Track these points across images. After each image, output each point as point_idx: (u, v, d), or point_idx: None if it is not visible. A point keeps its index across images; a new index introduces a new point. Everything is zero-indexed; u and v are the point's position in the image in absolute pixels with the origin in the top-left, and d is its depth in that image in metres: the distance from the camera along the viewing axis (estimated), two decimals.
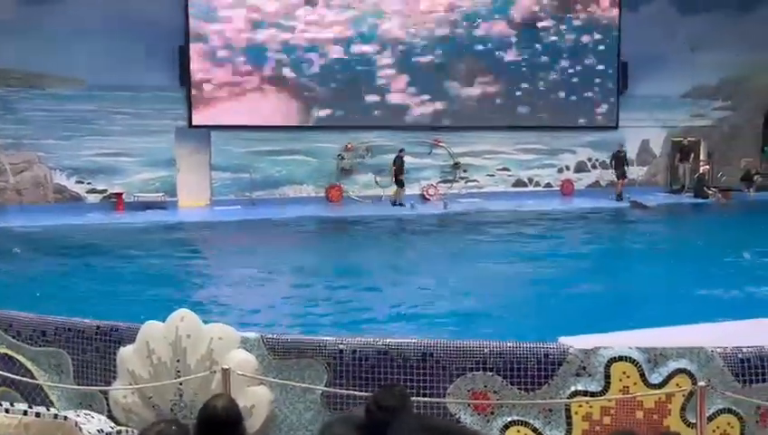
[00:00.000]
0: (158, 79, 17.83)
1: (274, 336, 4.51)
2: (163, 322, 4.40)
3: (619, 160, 20.44)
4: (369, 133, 19.78)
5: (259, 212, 16.83)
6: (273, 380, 4.35)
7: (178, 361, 4.29)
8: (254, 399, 4.25)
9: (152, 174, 18.23)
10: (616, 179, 20.37)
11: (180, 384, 4.26)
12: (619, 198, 19.65)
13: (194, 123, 18.39)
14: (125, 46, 17.09)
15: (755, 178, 22.16)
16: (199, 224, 15.52)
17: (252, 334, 4.51)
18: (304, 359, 4.41)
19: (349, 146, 19.50)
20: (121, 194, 17.64)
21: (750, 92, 23.27)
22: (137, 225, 15.10)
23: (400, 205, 18.34)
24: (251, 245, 13.08)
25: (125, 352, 4.44)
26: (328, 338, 4.50)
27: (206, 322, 4.44)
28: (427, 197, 19.31)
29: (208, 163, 18.78)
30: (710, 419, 4.17)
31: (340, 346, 4.41)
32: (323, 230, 15.64)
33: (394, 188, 18.80)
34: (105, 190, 17.85)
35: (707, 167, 21.91)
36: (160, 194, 18.10)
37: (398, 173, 18.58)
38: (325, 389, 4.35)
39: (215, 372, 4.19)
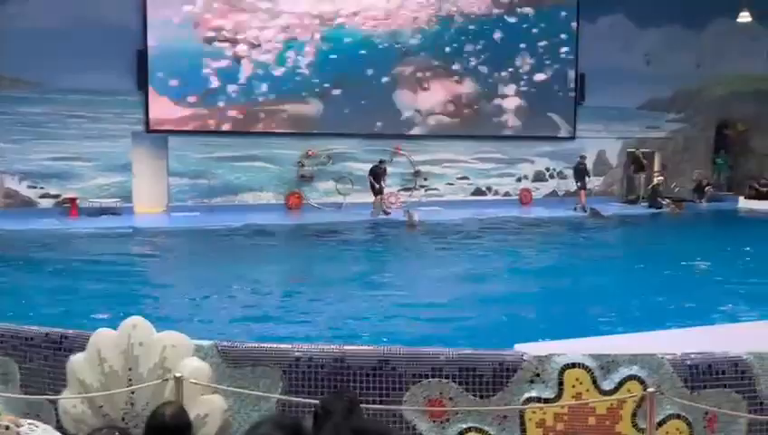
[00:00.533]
0: (115, 82, 17.55)
1: (229, 344, 4.46)
2: (115, 329, 4.31)
3: (579, 172, 20.74)
4: (330, 140, 19.76)
5: (217, 219, 16.65)
6: (226, 388, 4.29)
7: (130, 369, 4.20)
8: (208, 407, 4.19)
9: (108, 179, 17.92)
10: (578, 190, 20.64)
11: (132, 393, 4.18)
12: (583, 209, 19.86)
13: (151, 128, 18.14)
14: (82, 49, 16.79)
15: (707, 189, 22.72)
16: (155, 230, 15.29)
17: (206, 342, 4.45)
18: (259, 366, 4.37)
19: (309, 153, 19.45)
20: (75, 199, 17.30)
21: (702, 106, 23.90)
22: (90, 230, 14.80)
23: (386, 213, 18.17)
24: (207, 252, 12.93)
25: (75, 360, 4.34)
26: (284, 345, 4.46)
27: (159, 330, 4.36)
28: (388, 206, 19.23)
29: (166, 169, 18.54)
30: (660, 424, 4.24)
31: (296, 353, 4.38)
32: (282, 237, 15.53)
33: (375, 197, 18.41)
34: (58, 195, 17.48)
35: (662, 178, 22.39)
36: (116, 199, 17.80)
37: (378, 182, 18.31)
38: (280, 397, 4.31)
39: (167, 380, 4.12)
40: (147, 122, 18.08)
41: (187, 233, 15.07)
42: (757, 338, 5.21)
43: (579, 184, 20.62)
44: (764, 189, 23.08)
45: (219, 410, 4.25)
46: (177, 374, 4.09)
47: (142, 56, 17.79)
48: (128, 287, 9.40)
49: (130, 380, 4.19)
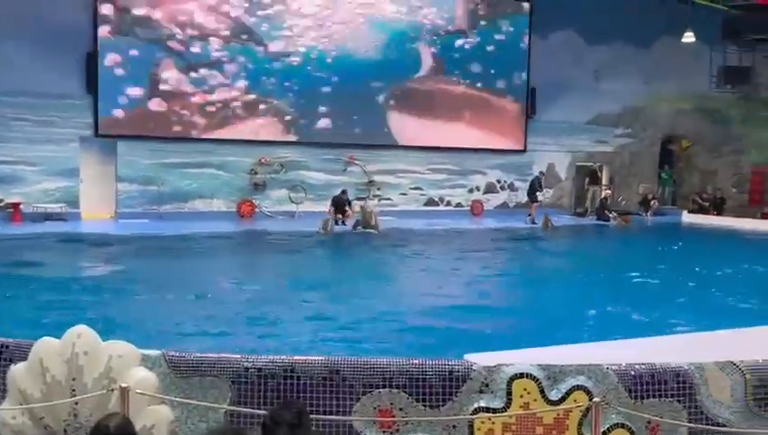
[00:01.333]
0: (63, 85, 17.19)
1: (177, 354, 4.40)
2: (58, 338, 4.21)
3: (534, 185, 21.07)
4: (283, 148, 19.68)
5: (166, 226, 16.40)
6: (174, 398, 4.23)
7: (74, 379, 4.11)
8: (154, 418, 4.12)
9: (54, 184, 17.50)
10: (530, 202, 20.95)
11: (75, 404, 4.08)
12: (533, 221, 20.14)
13: (100, 132, 17.79)
14: (29, 51, 16.43)
15: (652, 202, 23.31)
16: (101, 236, 14.95)
17: (153, 352, 4.38)
18: (208, 377, 4.31)
19: (262, 160, 19.32)
20: (19, 204, 16.82)
21: (648, 122, 24.57)
22: (34, 236, 14.40)
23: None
24: (156, 259, 12.71)
25: (16, 370, 4.22)
26: (233, 356, 4.42)
27: (105, 339, 4.28)
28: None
29: (114, 174, 18.19)
30: (604, 433, 4.33)
31: (246, 364, 4.34)
32: (233, 245, 15.37)
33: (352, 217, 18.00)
34: (1, 200, 16.99)
35: (609, 191, 22.91)
36: (61, 205, 17.37)
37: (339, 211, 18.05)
38: (229, 407, 4.26)
39: (112, 390, 4.03)
40: (95, 126, 17.72)
41: (135, 240, 14.79)
42: (697, 348, 5.36)
43: (531, 197, 20.91)
44: (706, 204, 23.83)
45: (166, 422, 4.18)
46: (123, 384, 4.01)
47: (91, 59, 17.45)
48: (72, 295, 9.17)
49: (74, 390, 4.09)
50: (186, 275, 11.03)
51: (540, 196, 21.18)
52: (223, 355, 4.45)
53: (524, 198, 22.26)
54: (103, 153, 17.99)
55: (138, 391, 4.03)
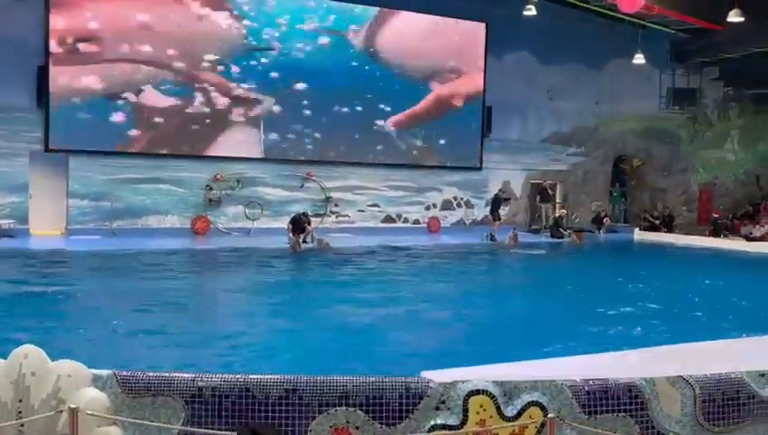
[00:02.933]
0: (12, 99, 16.82)
1: (129, 373, 4.31)
2: (4, 359, 4.09)
3: (497, 202, 21.30)
4: (239, 164, 19.54)
5: (119, 242, 16.09)
6: (125, 419, 4.14)
7: (21, 401, 3.99)
8: None
9: (2, 199, 17.06)
10: (491, 219, 21.16)
11: (22, 426, 3.96)
12: (492, 237, 20.33)
13: (50, 147, 17.42)
14: None
15: (605, 220, 23.76)
16: (51, 253, 14.58)
17: (104, 372, 4.28)
18: (161, 396, 4.24)
19: (218, 176, 19.14)
20: None
21: (600, 141, 25.12)
22: None
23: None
24: (107, 277, 12.45)
25: None
26: (186, 375, 4.35)
27: (53, 359, 4.17)
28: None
29: (65, 190, 17.81)
30: None
31: (200, 383, 4.27)
32: (187, 262, 15.15)
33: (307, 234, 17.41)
34: None
35: (564, 210, 23.29)
36: (10, 221, 16.92)
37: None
38: (182, 428, 4.19)
39: (61, 411, 3.93)
40: (46, 141, 17.35)
41: (86, 256, 14.47)
42: (649, 363, 5.45)
43: (494, 214, 21.10)
44: (657, 221, 24.40)
45: None
46: (72, 405, 3.91)
47: (43, 72, 17.12)
48: (19, 314, 8.91)
49: (20, 412, 3.98)
50: (135, 291, 10.81)
51: (502, 213, 21.44)
52: (176, 374, 4.38)
53: (481, 216, 22.51)
54: (54, 168, 17.60)
55: (88, 411, 3.94)
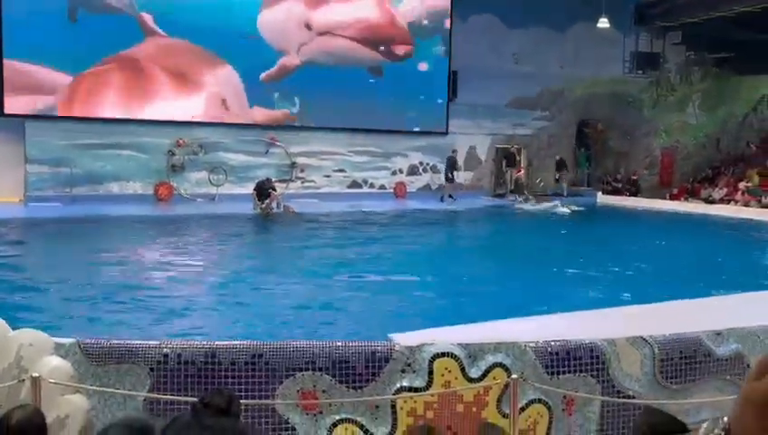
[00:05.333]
0: None
1: (92, 341, 4.27)
2: None
3: (450, 164, 21.45)
4: (202, 129, 19.25)
5: (80, 209, 15.81)
6: (89, 387, 4.11)
7: None
8: (69, 408, 3.99)
9: None
10: (447, 181, 21.34)
11: None
12: (450, 196, 20.60)
13: (6, 112, 16.94)
14: None
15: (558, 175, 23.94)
16: (8, 221, 14.28)
17: (67, 340, 4.24)
18: (125, 364, 4.21)
19: (180, 142, 18.85)
20: None
21: (565, 105, 25.24)
22: None
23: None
24: (67, 244, 12.25)
25: None
26: (151, 342, 4.33)
27: (14, 328, 4.11)
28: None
29: (23, 156, 17.38)
30: (523, 409, 4.46)
31: (165, 350, 4.26)
32: (150, 229, 14.97)
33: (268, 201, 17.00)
34: None
35: (521, 173, 23.37)
36: None
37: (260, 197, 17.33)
38: (148, 395, 4.18)
39: (23, 380, 3.88)
40: (1, 105, 16.87)
41: (46, 224, 14.21)
42: (609, 324, 5.57)
43: (449, 175, 21.29)
44: (619, 185, 24.73)
45: (81, 411, 4.06)
46: (35, 374, 3.87)
47: None
48: None
49: None
50: (97, 259, 10.66)
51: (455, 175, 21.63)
52: (140, 341, 4.36)
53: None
54: (10, 134, 17.13)
55: (51, 380, 3.90)
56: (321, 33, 20.60)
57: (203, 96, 19.15)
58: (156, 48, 18.45)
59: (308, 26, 20.40)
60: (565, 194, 23.27)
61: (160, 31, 18.44)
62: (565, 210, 19.58)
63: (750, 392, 0.74)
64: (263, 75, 19.83)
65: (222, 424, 1.17)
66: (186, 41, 18.67)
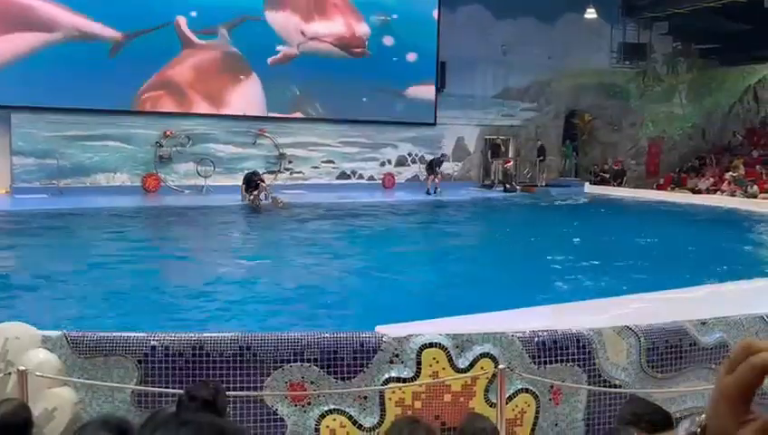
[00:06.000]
0: None
1: (80, 333, 4.26)
2: None
3: (432, 164, 21.48)
4: (190, 120, 19.15)
5: (67, 201, 15.72)
6: (77, 380, 4.10)
7: None
8: (56, 401, 3.99)
9: None
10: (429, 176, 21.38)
11: None
12: (435, 190, 20.69)
13: None
14: None
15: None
16: None
17: (54, 332, 4.22)
18: (113, 356, 4.20)
19: (168, 133, 18.75)
20: None
21: (552, 96, 25.29)
22: None
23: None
24: (55, 236, 12.18)
25: None
26: (139, 334, 4.32)
27: (0, 321, 4.09)
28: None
29: (9, 148, 17.25)
30: (510, 398, 4.49)
31: (153, 342, 4.25)
32: (138, 221, 14.90)
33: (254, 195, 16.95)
34: None
35: (509, 164, 23.40)
36: None
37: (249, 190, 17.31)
38: (136, 387, 4.17)
39: (9, 374, 3.87)
40: None
41: (33, 216, 14.11)
42: (596, 314, 5.61)
43: (430, 172, 21.34)
44: (607, 175, 24.85)
45: (69, 404, 4.06)
46: (21, 367, 3.86)
47: None
48: None
49: None
50: (84, 251, 10.61)
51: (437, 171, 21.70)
52: (128, 334, 4.34)
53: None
54: None
55: (37, 373, 3.89)
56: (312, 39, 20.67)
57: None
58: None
59: (303, 33, 20.50)
60: (544, 184, 23.31)
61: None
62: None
63: (723, 387, 0.75)
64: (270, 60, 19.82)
65: (201, 419, 1.17)
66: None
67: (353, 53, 21.36)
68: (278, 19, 20.17)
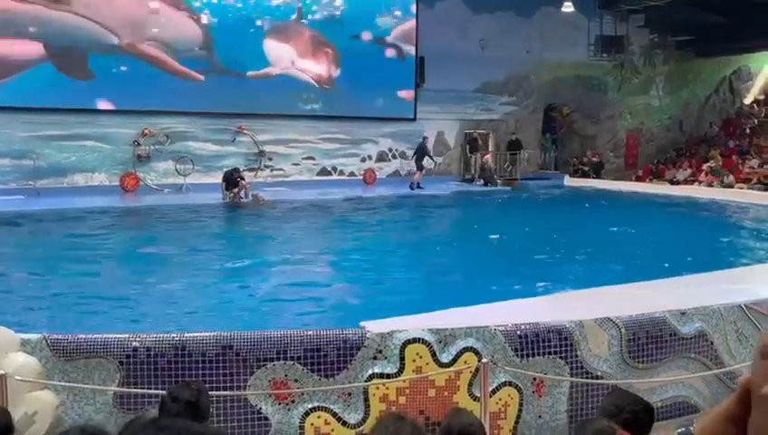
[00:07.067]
0: None
1: (60, 336, 4.22)
2: None
3: (420, 151, 21.46)
4: (168, 118, 19.00)
5: (45, 202, 15.53)
6: (57, 383, 4.06)
7: None
8: (37, 404, 3.95)
9: None
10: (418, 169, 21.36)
11: None
12: (419, 186, 20.65)
13: None
14: None
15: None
16: None
17: (34, 336, 4.18)
18: (94, 358, 4.17)
19: (146, 132, 18.59)
20: None
21: (531, 90, 25.38)
22: None
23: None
24: (32, 238, 12.05)
25: None
26: (120, 336, 4.29)
27: None
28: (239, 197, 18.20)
29: None
30: (494, 392, 4.52)
31: (134, 343, 4.22)
32: (117, 221, 14.77)
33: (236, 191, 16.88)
34: None
35: (488, 156, 23.44)
36: None
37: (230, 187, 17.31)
38: (117, 389, 4.14)
39: None
40: None
41: (9, 218, 13.94)
42: (577, 306, 5.65)
43: (419, 163, 21.31)
44: (586, 168, 25.01)
45: (50, 407, 4.02)
46: (1, 372, 3.82)
47: None
48: None
49: None
50: (62, 253, 10.50)
51: (427, 162, 21.62)
52: (109, 335, 4.31)
53: (415, 167, 22.72)
54: None
55: (17, 377, 3.85)
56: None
57: None
58: None
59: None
60: (519, 177, 23.40)
61: None
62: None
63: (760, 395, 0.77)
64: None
65: (179, 425, 1.16)
66: None
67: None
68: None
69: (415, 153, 21.59)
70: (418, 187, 20.60)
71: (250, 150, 20.26)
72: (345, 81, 21.32)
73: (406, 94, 22.53)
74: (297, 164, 21.13)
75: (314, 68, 21.12)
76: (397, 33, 22.22)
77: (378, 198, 18.88)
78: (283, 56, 20.57)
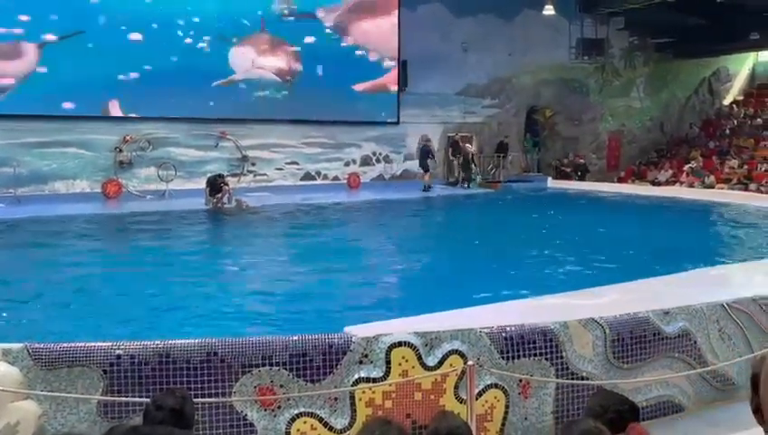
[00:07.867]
0: None
1: (41, 345, 4.18)
2: None
3: (424, 153, 21.66)
4: (149, 124, 18.88)
5: (25, 210, 15.37)
6: (40, 392, 4.02)
7: None
8: (19, 415, 3.90)
9: None
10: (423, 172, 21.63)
11: None
12: (429, 187, 20.97)
13: None
14: None
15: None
16: None
17: (15, 345, 4.13)
18: (77, 367, 4.13)
19: (127, 138, 18.46)
20: None
21: (513, 92, 25.50)
22: None
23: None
24: (13, 246, 11.92)
25: None
26: (103, 344, 4.25)
27: None
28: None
29: None
30: (480, 394, 4.52)
31: (118, 351, 4.18)
32: (100, 227, 14.65)
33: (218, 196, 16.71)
34: None
35: (472, 147, 23.45)
36: None
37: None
38: (101, 398, 4.10)
39: None
40: None
41: None
42: (561, 307, 5.67)
43: (425, 164, 21.58)
44: (568, 169, 25.15)
45: (33, 417, 3.97)
46: None
47: None
48: None
49: None
50: (43, 261, 10.40)
51: (431, 164, 21.84)
52: (92, 344, 4.27)
53: (400, 170, 22.77)
54: None
55: None
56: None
57: None
58: None
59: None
60: (503, 179, 23.54)
61: None
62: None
63: None
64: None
65: (159, 432, 1.15)
66: None
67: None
68: None
69: (424, 154, 21.77)
70: (429, 188, 20.81)
71: (233, 156, 20.19)
72: (327, 85, 21.25)
73: (389, 98, 22.51)
74: (281, 169, 21.08)
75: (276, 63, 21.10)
76: (379, 36, 22.20)
77: (362, 202, 18.86)
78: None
